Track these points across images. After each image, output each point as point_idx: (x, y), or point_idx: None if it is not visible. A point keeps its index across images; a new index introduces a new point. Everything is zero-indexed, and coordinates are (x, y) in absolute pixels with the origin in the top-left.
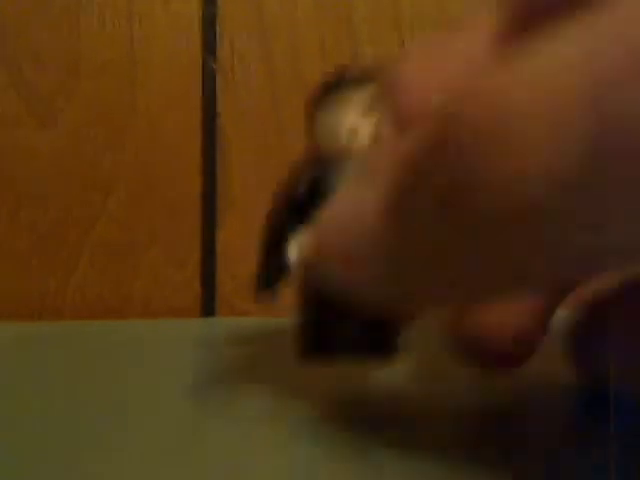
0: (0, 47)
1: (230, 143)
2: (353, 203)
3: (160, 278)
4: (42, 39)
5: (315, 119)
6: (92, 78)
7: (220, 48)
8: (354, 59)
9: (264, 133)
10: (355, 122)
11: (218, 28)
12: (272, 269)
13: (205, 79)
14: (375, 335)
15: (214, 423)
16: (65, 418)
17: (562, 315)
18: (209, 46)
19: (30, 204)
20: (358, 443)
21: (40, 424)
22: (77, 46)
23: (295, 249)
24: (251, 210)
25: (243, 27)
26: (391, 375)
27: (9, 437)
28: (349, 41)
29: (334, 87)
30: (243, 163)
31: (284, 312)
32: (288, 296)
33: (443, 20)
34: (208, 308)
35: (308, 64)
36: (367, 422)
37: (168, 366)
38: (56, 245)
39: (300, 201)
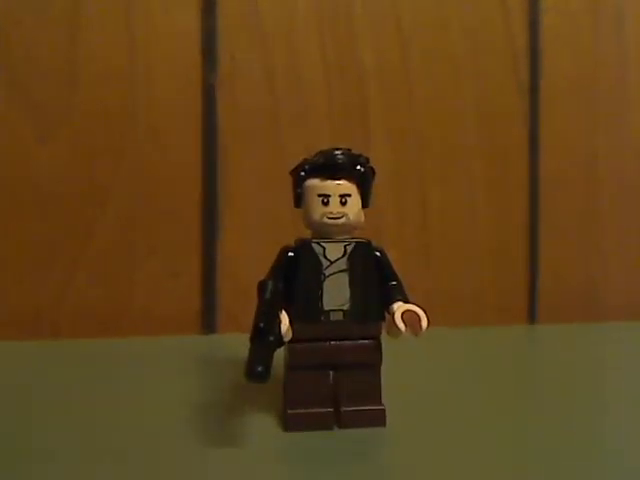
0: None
1: (231, 154)
2: None
3: (159, 289)
4: (42, 51)
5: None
6: (91, 89)
7: (220, 59)
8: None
9: (264, 144)
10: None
11: (218, 39)
12: (264, 361)
13: (205, 89)
14: None
15: (214, 441)
16: (65, 434)
17: None
18: (209, 57)
19: (26, 216)
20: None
21: (40, 440)
22: (76, 57)
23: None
24: (252, 219)
25: (243, 38)
26: None
27: (10, 453)
28: (349, 45)
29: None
30: (244, 173)
31: None
32: None
33: (443, 20)
34: (209, 319)
35: (308, 72)
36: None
37: (168, 384)
38: (52, 257)
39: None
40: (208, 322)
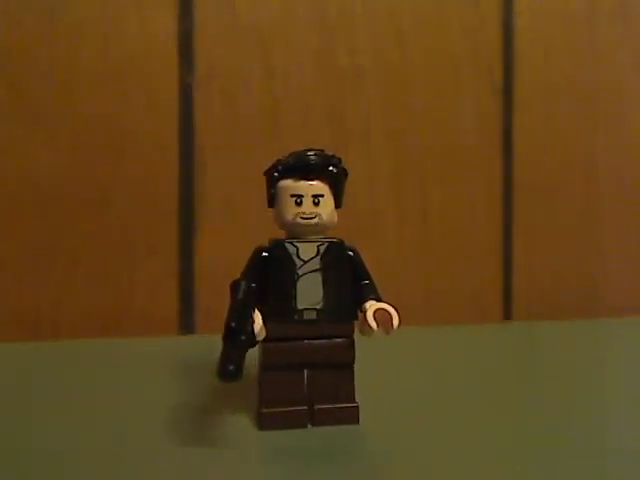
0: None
1: (208, 158)
2: None
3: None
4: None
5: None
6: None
7: (197, 62)
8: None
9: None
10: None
11: (194, 42)
12: (235, 360)
13: (182, 93)
14: None
15: (190, 441)
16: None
17: None
18: (186, 61)
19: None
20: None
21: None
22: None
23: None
24: (228, 222)
25: (219, 41)
26: None
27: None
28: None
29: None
30: (220, 175)
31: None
32: None
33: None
34: (187, 320)
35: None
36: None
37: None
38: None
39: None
40: (186, 323)
